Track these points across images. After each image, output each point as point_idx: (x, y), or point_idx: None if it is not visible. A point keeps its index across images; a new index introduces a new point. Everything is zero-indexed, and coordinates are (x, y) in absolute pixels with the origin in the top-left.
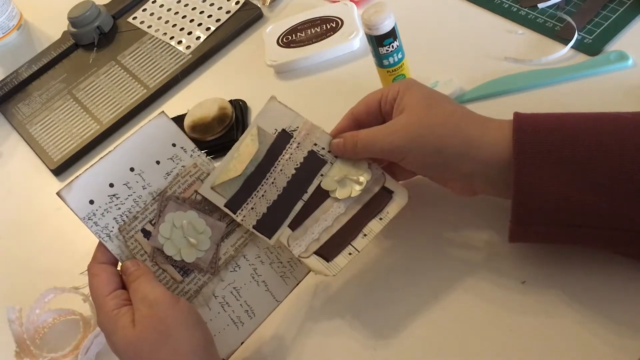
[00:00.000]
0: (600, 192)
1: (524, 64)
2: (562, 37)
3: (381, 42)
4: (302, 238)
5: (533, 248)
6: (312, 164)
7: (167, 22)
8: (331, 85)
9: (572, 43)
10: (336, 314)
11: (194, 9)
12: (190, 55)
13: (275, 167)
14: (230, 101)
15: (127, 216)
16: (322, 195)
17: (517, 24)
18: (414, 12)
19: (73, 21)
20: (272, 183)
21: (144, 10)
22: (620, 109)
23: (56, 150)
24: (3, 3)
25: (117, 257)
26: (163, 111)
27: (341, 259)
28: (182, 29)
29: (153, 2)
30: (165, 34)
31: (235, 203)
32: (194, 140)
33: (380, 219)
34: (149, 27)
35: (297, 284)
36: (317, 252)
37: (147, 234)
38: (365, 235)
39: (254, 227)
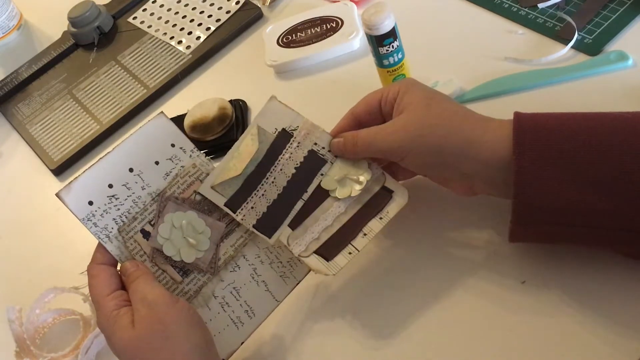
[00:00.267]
0: (600, 192)
1: (524, 64)
2: (562, 37)
3: (381, 42)
4: (302, 237)
5: (533, 248)
6: (312, 163)
7: (167, 22)
8: (331, 85)
9: (572, 43)
10: (336, 313)
11: (194, 9)
12: (190, 55)
13: (275, 167)
14: (230, 101)
15: (126, 217)
16: (322, 194)
17: (517, 24)
18: (414, 12)
19: (73, 21)
20: (272, 182)
21: (144, 10)
22: (620, 109)
23: (56, 150)
24: (3, 3)
25: (116, 258)
26: (162, 111)
27: (341, 259)
28: (182, 29)
29: (153, 2)
30: (165, 34)
31: (235, 202)
32: (194, 140)
33: (381, 218)
34: (149, 27)
35: (297, 284)
36: (317, 252)
37: (146, 234)
38: (365, 234)
39: (253, 226)
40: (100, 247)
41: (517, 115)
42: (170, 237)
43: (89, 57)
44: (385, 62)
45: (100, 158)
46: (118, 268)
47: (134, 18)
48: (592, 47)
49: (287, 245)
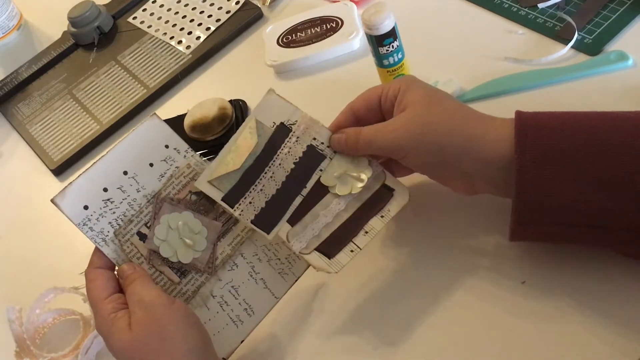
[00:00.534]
0: (601, 192)
1: (524, 64)
2: (562, 37)
3: (381, 42)
4: (302, 234)
5: (533, 248)
6: (311, 158)
7: (167, 22)
8: (331, 85)
9: (572, 43)
10: (335, 313)
11: (194, 9)
12: (190, 55)
13: (274, 161)
14: (230, 101)
15: (122, 220)
16: (321, 190)
17: (517, 24)
18: (414, 12)
19: (73, 21)
20: (271, 177)
21: (144, 10)
22: (620, 109)
23: (56, 150)
24: (3, 3)
25: (113, 261)
26: (155, 113)
27: (343, 257)
28: (182, 29)
29: (153, 2)
30: (165, 34)
31: (232, 197)
32: (194, 140)
33: (382, 216)
34: (149, 27)
35: (296, 281)
36: (318, 249)
37: (142, 236)
38: (366, 232)
39: (252, 221)
40: (97, 251)
41: (519, 114)
42: (167, 239)
43: (89, 57)
44: (385, 62)
45: (94, 162)
46: (116, 271)
47: (134, 18)
48: (592, 47)
49: (286, 242)
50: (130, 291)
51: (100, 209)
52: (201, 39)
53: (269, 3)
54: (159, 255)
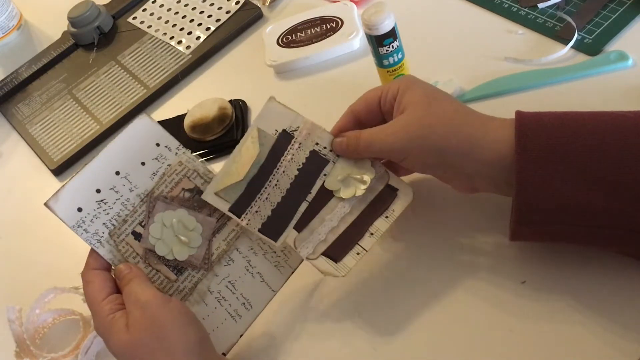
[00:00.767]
0: (602, 192)
1: (524, 64)
2: (562, 37)
3: (381, 42)
4: (308, 239)
5: (533, 248)
6: (315, 164)
7: (167, 22)
8: (331, 85)
9: (572, 43)
10: (336, 312)
11: (194, 9)
12: (190, 55)
13: (277, 169)
14: (230, 101)
15: (116, 220)
16: (326, 195)
17: (517, 24)
18: (414, 12)
19: (73, 21)
20: (276, 185)
21: (144, 10)
22: (620, 109)
23: (56, 150)
24: (3, 3)
25: (109, 262)
26: (144, 112)
27: (349, 259)
28: (182, 29)
29: (153, 2)
30: (165, 34)
31: (239, 207)
32: (194, 140)
33: (387, 217)
34: (149, 27)
35: (292, 272)
36: (324, 253)
37: (137, 236)
38: (372, 234)
39: (259, 230)
40: (92, 252)
41: (519, 114)
42: (162, 237)
43: (89, 57)
44: (385, 62)
45: (86, 164)
46: (112, 271)
47: (134, 18)
48: (592, 47)
49: (294, 248)
50: (127, 291)
51: (94, 210)
52: (201, 39)
53: (269, 3)
54: (155, 253)
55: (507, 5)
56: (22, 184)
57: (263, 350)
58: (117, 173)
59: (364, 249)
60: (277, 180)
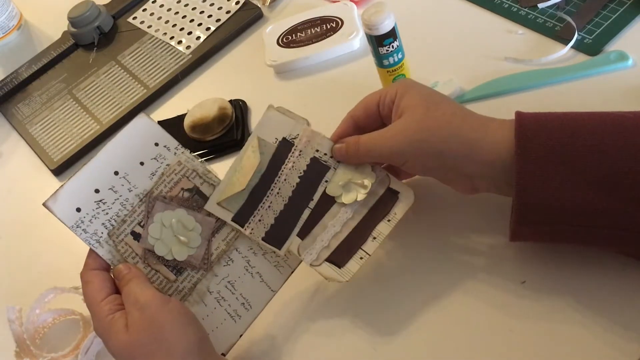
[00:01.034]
0: (602, 192)
1: (524, 64)
2: (562, 37)
3: (381, 42)
4: (312, 246)
5: (533, 248)
6: (316, 170)
7: (167, 22)
8: (331, 85)
9: (572, 43)
10: (336, 313)
11: (194, 9)
12: (190, 55)
13: (279, 177)
14: (230, 101)
15: (115, 220)
16: (328, 201)
17: (517, 24)
18: (414, 12)
19: (73, 21)
20: (278, 193)
21: (144, 10)
22: (620, 109)
23: (56, 150)
24: (3, 3)
25: (108, 262)
26: (142, 112)
27: (353, 264)
28: (182, 29)
29: (153, 2)
30: (165, 34)
31: (242, 216)
32: (194, 140)
33: (389, 220)
34: (149, 27)
35: (292, 272)
36: (328, 259)
37: (137, 236)
38: (374, 238)
39: (262, 239)
40: (91, 252)
41: (519, 114)
42: (161, 237)
43: (89, 57)
44: (385, 62)
45: (84, 164)
46: (112, 272)
47: (134, 18)
48: (592, 47)
49: (298, 255)
50: (126, 292)
51: (93, 210)
52: (201, 39)
53: (269, 3)
54: (154, 254)
55: (507, 5)
56: (22, 184)
57: (264, 351)
58: (116, 173)
59: (367, 254)
60: (279, 189)
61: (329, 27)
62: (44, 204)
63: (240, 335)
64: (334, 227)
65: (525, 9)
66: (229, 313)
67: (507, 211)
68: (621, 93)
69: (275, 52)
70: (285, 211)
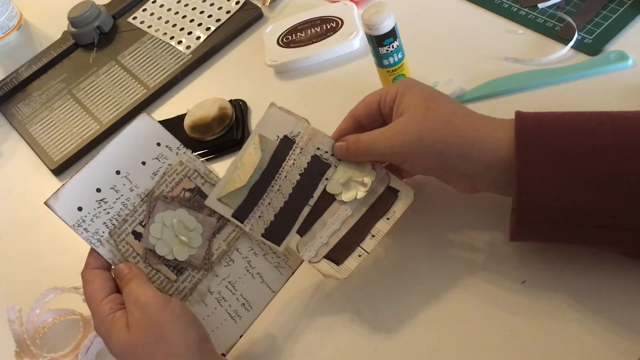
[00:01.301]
0: (601, 192)
1: (524, 64)
2: (562, 37)
3: (381, 42)
4: (311, 243)
5: (533, 248)
6: (316, 168)
7: (167, 22)
8: (331, 85)
9: (572, 43)
10: (336, 312)
11: (194, 9)
12: (190, 55)
13: (279, 174)
14: (230, 101)
15: (116, 220)
16: (328, 199)
17: (517, 24)
18: (414, 12)
19: (73, 21)
20: (278, 190)
21: (144, 10)
22: (620, 109)
23: (56, 150)
24: (3, 3)
25: (109, 262)
26: (144, 112)
27: (351, 261)
28: (182, 29)
29: (153, 2)
30: (165, 34)
31: (242, 213)
32: (194, 140)
33: (388, 218)
34: (149, 27)
35: (292, 273)
36: (327, 256)
37: (138, 235)
38: (373, 236)
39: (262, 235)
40: (92, 251)
41: (518, 114)
42: (162, 237)
43: (89, 57)
44: (385, 62)
45: (86, 163)
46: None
47: (134, 18)
48: (592, 47)
49: (297, 252)
50: (127, 291)
51: (94, 209)
52: (201, 39)
53: (269, 3)
54: (155, 253)
55: (507, 5)
56: (22, 184)
57: (264, 350)
58: (118, 172)
59: (366, 251)
60: (280, 186)
61: (329, 27)
62: (45, 203)
63: (241, 336)
64: (334, 224)
65: (525, 9)
66: (229, 313)
67: (507, 211)
68: (621, 93)
69: (275, 52)
70: (285, 208)
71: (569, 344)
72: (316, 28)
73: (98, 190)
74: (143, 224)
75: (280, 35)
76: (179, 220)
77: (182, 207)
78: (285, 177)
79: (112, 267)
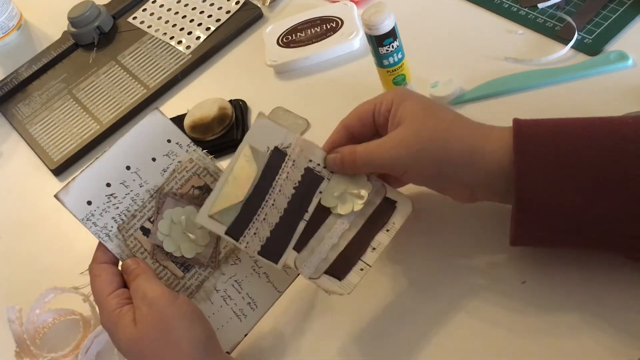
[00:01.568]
0: (601, 198)
1: (524, 64)
2: (562, 37)
3: (381, 42)
4: (309, 259)
5: (533, 249)
6: (310, 181)
7: (167, 22)
8: (331, 85)
9: (572, 43)
10: (335, 312)
11: (194, 9)
12: (190, 55)
13: (273, 188)
14: (230, 101)
15: (125, 215)
16: (323, 212)
17: (517, 24)
18: (414, 12)
19: (73, 21)
20: (273, 205)
21: (144, 10)
22: (620, 109)
23: (56, 150)
24: (3, 3)
25: (117, 257)
26: (157, 107)
27: (354, 276)
28: (182, 29)
29: (153, 2)
30: (165, 34)
31: (236, 230)
32: (194, 140)
33: (387, 230)
34: (149, 27)
35: (299, 274)
36: (327, 272)
37: (146, 231)
38: (374, 249)
39: (258, 253)
40: (100, 246)
41: (516, 122)
42: (170, 233)
43: (89, 57)
44: (385, 62)
45: (97, 157)
46: (120, 266)
47: (134, 18)
48: (592, 47)
49: (295, 269)
50: (134, 287)
51: (104, 204)
52: (201, 39)
53: (269, 3)
54: (163, 250)
55: (507, 5)
56: (22, 184)
57: (269, 350)
58: (128, 168)
59: (368, 265)
60: (274, 200)
61: (329, 27)
62: (55, 196)
63: (245, 335)
64: (331, 238)
65: (525, 9)
66: (234, 312)
67: (507, 215)
68: (621, 93)
69: (275, 52)
70: (280, 223)
71: (569, 345)
72: (316, 28)
73: (108, 185)
74: (152, 220)
75: (280, 35)
76: (187, 218)
77: (190, 205)
78: (280, 191)
79: (120, 262)
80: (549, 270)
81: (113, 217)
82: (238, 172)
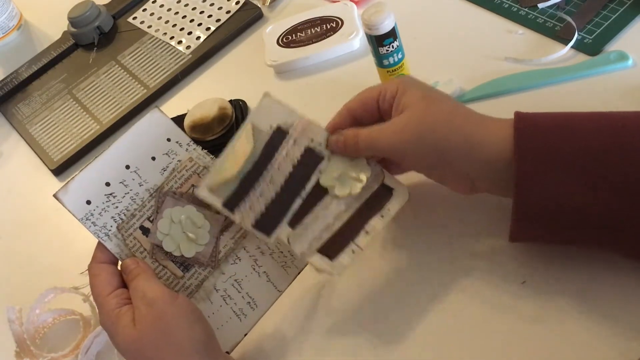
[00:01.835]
0: (601, 192)
1: (524, 64)
2: (562, 37)
3: (381, 42)
4: (303, 236)
5: (533, 248)
6: (310, 160)
7: (167, 22)
8: (331, 85)
9: (572, 43)
10: (336, 312)
11: (194, 9)
12: (190, 55)
13: (272, 165)
14: (230, 101)
15: (124, 214)
16: (320, 192)
17: (517, 24)
18: (414, 12)
19: (73, 21)
20: (270, 181)
21: (144, 10)
22: (620, 109)
23: (56, 150)
24: (3, 3)
25: (116, 256)
26: (157, 106)
27: (345, 258)
28: (182, 29)
29: (153, 2)
30: (165, 34)
31: (232, 203)
32: (194, 140)
33: (382, 216)
34: (149, 27)
35: (299, 273)
36: (319, 251)
37: (145, 231)
38: (367, 232)
39: (252, 226)
40: (100, 245)
41: (518, 115)
42: (170, 233)
43: (89, 57)
44: (385, 62)
45: (96, 157)
46: (119, 266)
47: (134, 18)
48: (592, 47)
49: (287, 244)
50: (134, 286)
51: (103, 203)
52: (201, 39)
53: (269, 3)
54: (162, 249)
55: (507, 5)
56: (22, 184)
57: (269, 349)
58: (127, 167)
59: (360, 247)
60: (271, 177)
61: (329, 27)
62: (54, 195)
63: (245, 334)
64: (326, 218)
65: (525, 9)
66: (234, 312)
67: (507, 211)
68: (621, 93)
69: (275, 52)
70: (276, 199)
71: (569, 344)
72: (316, 28)
73: (107, 184)
74: (151, 219)
75: (280, 35)
76: (187, 217)
77: (190, 204)
78: (278, 168)
79: (119, 261)
80: (549, 270)
81: (112, 217)
82: (238, 148)
